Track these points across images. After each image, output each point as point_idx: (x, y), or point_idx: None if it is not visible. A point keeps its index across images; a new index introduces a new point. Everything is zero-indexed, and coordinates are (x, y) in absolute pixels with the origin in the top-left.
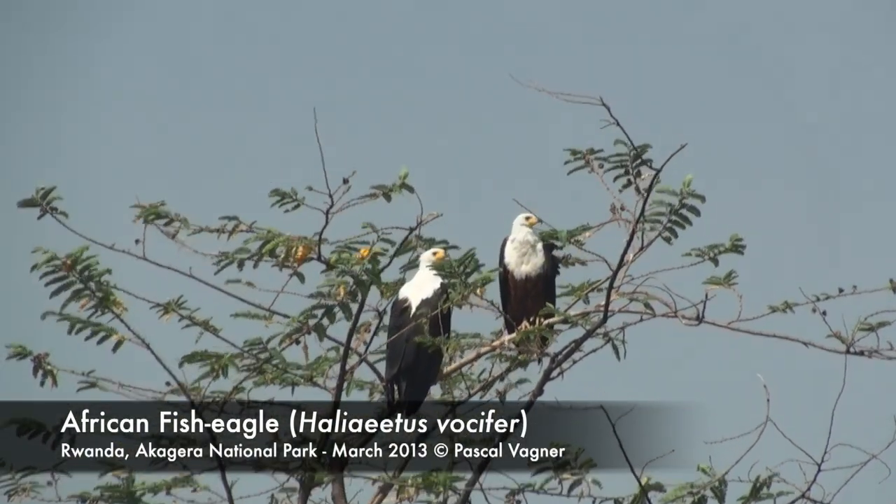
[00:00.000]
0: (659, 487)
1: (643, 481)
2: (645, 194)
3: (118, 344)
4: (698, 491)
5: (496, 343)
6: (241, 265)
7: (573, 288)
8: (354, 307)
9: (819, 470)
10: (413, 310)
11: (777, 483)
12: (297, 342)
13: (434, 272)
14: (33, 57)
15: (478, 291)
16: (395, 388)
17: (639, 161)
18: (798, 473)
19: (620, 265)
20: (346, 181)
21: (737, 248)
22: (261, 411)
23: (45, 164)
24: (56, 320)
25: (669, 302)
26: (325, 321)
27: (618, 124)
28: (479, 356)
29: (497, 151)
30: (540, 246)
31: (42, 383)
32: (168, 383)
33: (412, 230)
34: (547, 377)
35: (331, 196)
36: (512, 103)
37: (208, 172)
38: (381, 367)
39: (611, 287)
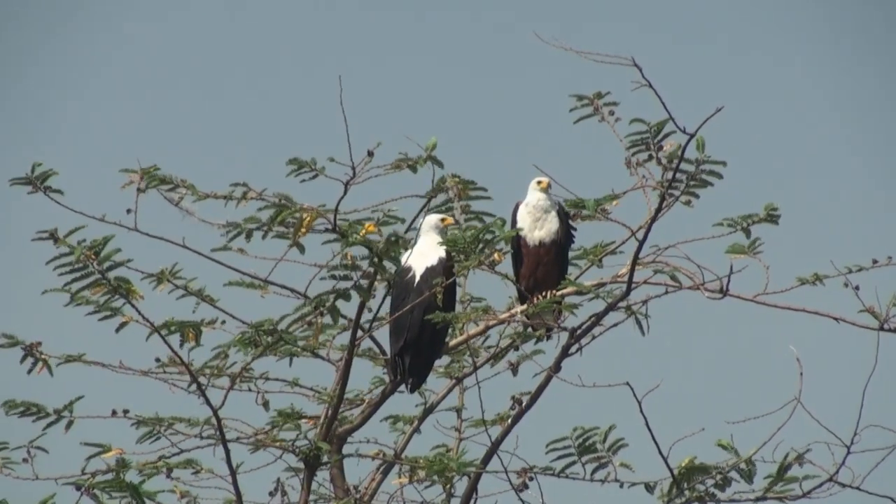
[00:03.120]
0: (704, 470)
1: (686, 461)
2: (674, 161)
3: (123, 324)
4: (722, 471)
5: (505, 315)
6: (249, 236)
7: (585, 251)
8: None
9: (848, 452)
10: (417, 279)
11: (805, 465)
12: (310, 324)
13: (441, 244)
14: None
15: (497, 256)
16: (400, 362)
17: (660, 136)
18: (826, 455)
19: (647, 235)
20: (370, 154)
21: (772, 217)
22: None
23: (38, 131)
24: (57, 302)
25: (694, 273)
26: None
27: (650, 86)
28: (487, 328)
29: (515, 116)
30: (555, 212)
31: (29, 371)
32: (158, 359)
33: (431, 196)
34: (565, 353)
35: (353, 167)
36: (534, 65)
37: (212, 147)
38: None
39: (636, 258)
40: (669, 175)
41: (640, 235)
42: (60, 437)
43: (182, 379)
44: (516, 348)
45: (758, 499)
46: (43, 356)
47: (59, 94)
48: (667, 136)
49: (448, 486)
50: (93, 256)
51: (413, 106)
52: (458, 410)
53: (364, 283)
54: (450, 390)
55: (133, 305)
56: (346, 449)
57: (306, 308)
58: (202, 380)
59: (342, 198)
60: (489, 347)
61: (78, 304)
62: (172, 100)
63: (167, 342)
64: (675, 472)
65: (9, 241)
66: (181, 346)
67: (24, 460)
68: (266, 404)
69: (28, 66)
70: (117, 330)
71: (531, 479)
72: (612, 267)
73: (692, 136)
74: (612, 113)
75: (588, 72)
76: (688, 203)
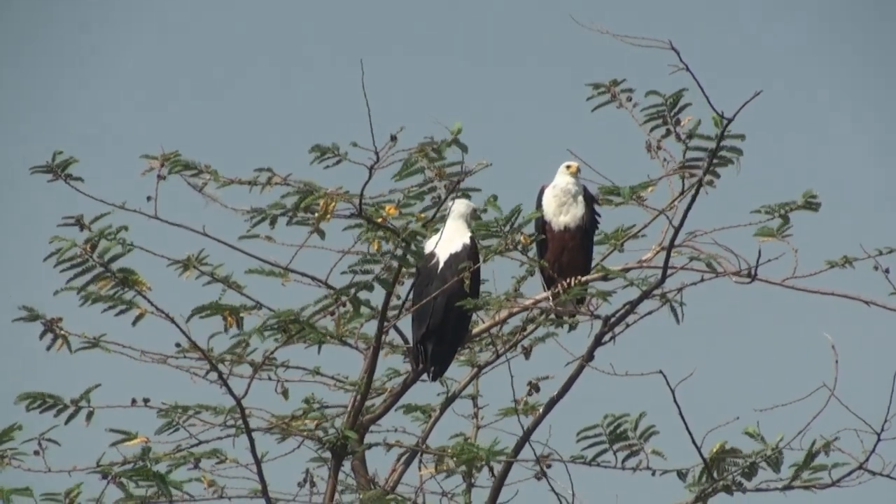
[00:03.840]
0: (736, 453)
1: (717, 446)
2: (699, 138)
3: (139, 317)
4: (749, 459)
5: (530, 301)
6: (273, 222)
7: (606, 235)
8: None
9: (879, 439)
10: (441, 266)
11: (833, 452)
12: (332, 314)
13: (471, 230)
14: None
15: (523, 239)
16: (423, 349)
17: (677, 109)
18: (856, 443)
19: (684, 220)
20: (393, 138)
21: (810, 204)
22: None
23: (56, 117)
24: (76, 297)
25: (727, 259)
26: (362, 294)
27: (687, 69)
28: (510, 315)
29: (546, 99)
30: (581, 196)
31: (48, 348)
32: (178, 344)
33: (459, 181)
34: (598, 342)
35: (377, 152)
36: (567, 49)
37: (234, 136)
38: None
39: (672, 244)
40: (695, 153)
41: (670, 217)
42: (69, 428)
43: (202, 367)
44: (524, 331)
45: (785, 487)
46: (62, 332)
47: (78, 83)
48: (683, 108)
49: (470, 476)
50: (89, 250)
51: (435, 94)
52: (474, 398)
53: (386, 275)
54: (472, 378)
55: (143, 296)
56: (368, 439)
57: (328, 300)
58: (222, 368)
59: (367, 182)
60: (510, 334)
61: (92, 301)
62: (195, 87)
63: (183, 331)
64: (708, 458)
65: (28, 230)
66: (225, 330)
67: (36, 452)
68: (285, 393)
69: (45, 53)
70: (134, 323)
71: (549, 466)
72: (632, 252)
73: (730, 120)
74: (629, 99)
75: (608, 60)
76: (710, 183)
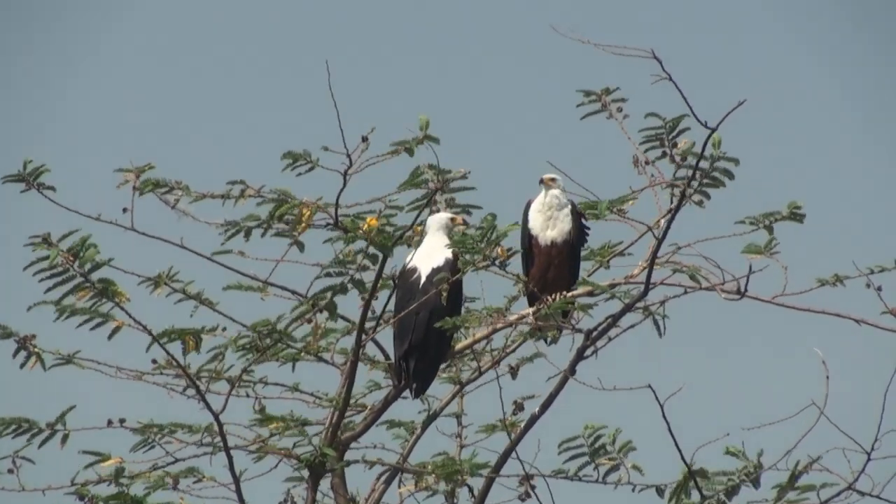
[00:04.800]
0: (703, 474)
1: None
2: (688, 158)
3: (115, 330)
4: (732, 478)
5: (515, 317)
6: (248, 234)
7: (593, 251)
8: (368, 279)
9: (868, 459)
10: (423, 280)
11: (821, 472)
12: (309, 321)
13: (450, 247)
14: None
15: (500, 251)
16: (405, 366)
17: (675, 132)
18: (844, 463)
19: (666, 233)
20: (364, 139)
21: (795, 216)
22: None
23: (32, 127)
24: (50, 313)
25: (712, 273)
26: (337, 298)
27: (670, 79)
28: (494, 331)
29: (528, 109)
30: (567, 210)
31: (22, 366)
32: (154, 361)
33: (435, 190)
34: (580, 355)
35: (349, 156)
36: (549, 58)
37: (203, 140)
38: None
39: (654, 256)
40: (686, 171)
41: (656, 233)
42: (48, 445)
43: (179, 384)
44: (510, 351)
45: None
46: (36, 350)
47: (52, 92)
48: (682, 132)
49: (452, 495)
50: (71, 259)
51: (415, 102)
52: (458, 417)
53: (359, 276)
54: (454, 396)
55: (122, 308)
56: (348, 456)
57: (304, 306)
58: (200, 385)
59: (342, 189)
60: (493, 351)
61: (67, 316)
62: (166, 96)
63: (162, 346)
64: (688, 472)
65: (7, 241)
66: (184, 355)
67: (10, 471)
68: (262, 410)
69: (25, 59)
70: (110, 336)
71: (534, 487)
72: (619, 268)
73: (713, 130)
74: (620, 109)
75: (594, 69)
76: (699, 203)
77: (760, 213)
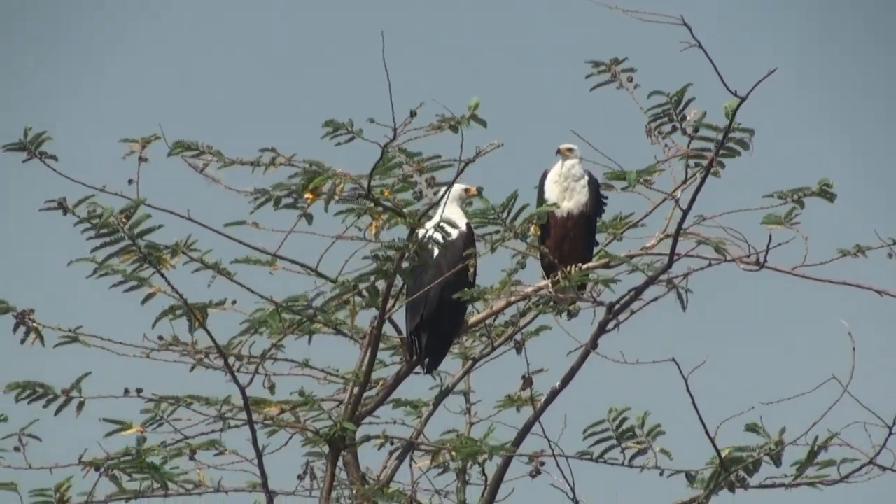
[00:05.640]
0: (739, 462)
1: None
2: (700, 129)
3: (149, 296)
4: (752, 454)
5: (531, 289)
6: (277, 203)
7: (605, 224)
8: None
9: (890, 433)
10: (436, 252)
11: (841, 447)
12: (346, 303)
13: (467, 218)
14: None
15: (533, 229)
16: (417, 341)
17: (682, 105)
18: (865, 437)
19: (692, 203)
20: (413, 113)
21: (825, 192)
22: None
23: (47, 97)
24: (91, 273)
25: (738, 245)
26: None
27: (700, 46)
28: (508, 304)
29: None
30: (585, 180)
31: (22, 341)
32: (161, 337)
33: (468, 161)
34: (602, 329)
35: (394, 129)
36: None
37: (234, 113)
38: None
39: (679, 228)
40: (701, 142)
41: (681, 205)
42: (53, 424)
43: (185, 361)
44: (514, 324)
45: (790, 484)
46: (35, 325)
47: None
48: (687, 104)
49: (464, 473)
50: (124, 220)
51: (445, 74)
52: (466, 394)
53: (406, 264)
54: (466, 371)
55: (163, 275)
56: (361, 432)
57: (344, 287)
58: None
59: (379, 161)
60: (505, 325)
61: (103, 273)
62: (203, 66)
63: (197, 317)
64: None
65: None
66: (191, 330)
67: (17, 449)
68: (272, 388)
69: (51, 36)
70: (143, 301)
71: (542, 464)
72: (631, 240)
73: (743, 99)
74: (630, 79)
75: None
76: (715, 173)
77: (789, 188)
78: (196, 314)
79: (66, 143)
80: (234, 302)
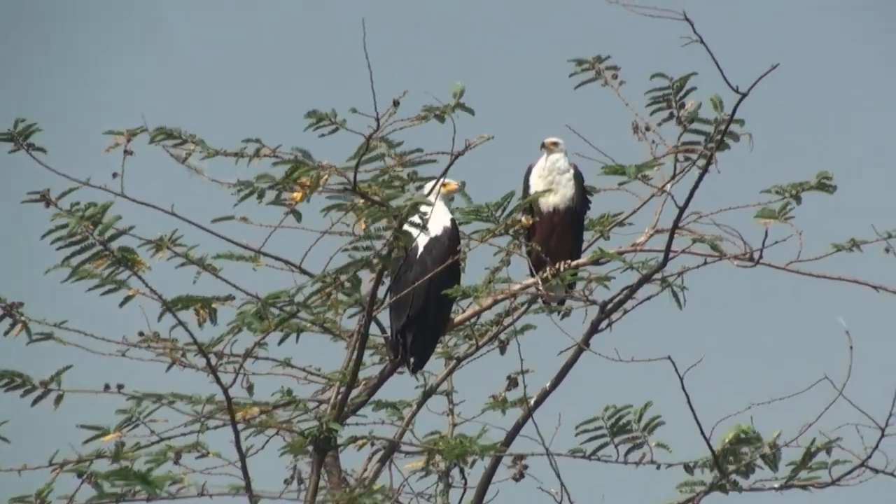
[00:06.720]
0: (733, 454)
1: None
2: (699, 122)
3: (128, 298)
4: (746, 457)
5: (518, 287)
6: (261, 195)
7: (592, 221)
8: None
9: (882, 435)
10: (420, 251)
11: (833, 449)
12: (328, 296)
13: (451, 214)
14: None
15: (525, 221)
16: (401, 340)
17: (683, 93)
18: (857, 438)
19: (689, 201)
20: (396, 103)
21: (824, 186)
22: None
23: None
24: (66, 278)
25: (733, 242)
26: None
27: (701, 41)
28: (495, 302)
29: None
30: (570, 174)
31: (6, 333)
32: (141, 333)
33: (458, 154)
34: (595, 328)
35: (377, 119)
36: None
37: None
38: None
39: (675, 225)
40: (692, 135)
41: (662, 198)
42: (27, 424)
43: (163, 360)
44: (497, 323)
45: (782, 487)
46: (23, 318)
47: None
48: (689, 92)
49: (447, 475)
50: (91, 227)
51: (433, 66)
52: (449, 394)
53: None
54: (451, 371)
55: (140, 277)
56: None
57: (327, 279)
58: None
59: (363, 152)
60: (491, 324)
61: (79, 278)
62: (189, 58)
63: (175, 315)
64: (718, 450)
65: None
66: (200, 325)
67: None
68: (251, 388)
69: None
70: (122, 304)
71: (526, 467)
72: (618, 236)
73: (744, 95)
74: (615, 77)
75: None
76: (705, 168)
77: (788, 183)
78: (200, 308)
79: (65, 142)
80: (233, 298)
